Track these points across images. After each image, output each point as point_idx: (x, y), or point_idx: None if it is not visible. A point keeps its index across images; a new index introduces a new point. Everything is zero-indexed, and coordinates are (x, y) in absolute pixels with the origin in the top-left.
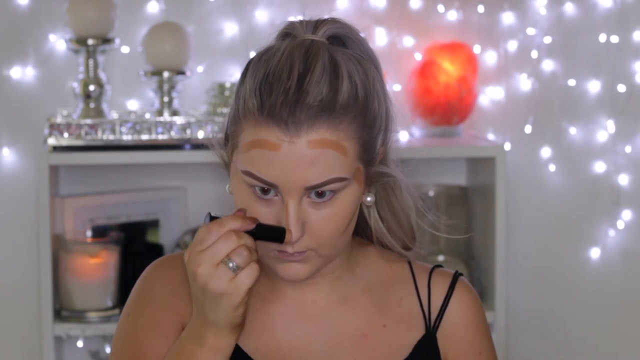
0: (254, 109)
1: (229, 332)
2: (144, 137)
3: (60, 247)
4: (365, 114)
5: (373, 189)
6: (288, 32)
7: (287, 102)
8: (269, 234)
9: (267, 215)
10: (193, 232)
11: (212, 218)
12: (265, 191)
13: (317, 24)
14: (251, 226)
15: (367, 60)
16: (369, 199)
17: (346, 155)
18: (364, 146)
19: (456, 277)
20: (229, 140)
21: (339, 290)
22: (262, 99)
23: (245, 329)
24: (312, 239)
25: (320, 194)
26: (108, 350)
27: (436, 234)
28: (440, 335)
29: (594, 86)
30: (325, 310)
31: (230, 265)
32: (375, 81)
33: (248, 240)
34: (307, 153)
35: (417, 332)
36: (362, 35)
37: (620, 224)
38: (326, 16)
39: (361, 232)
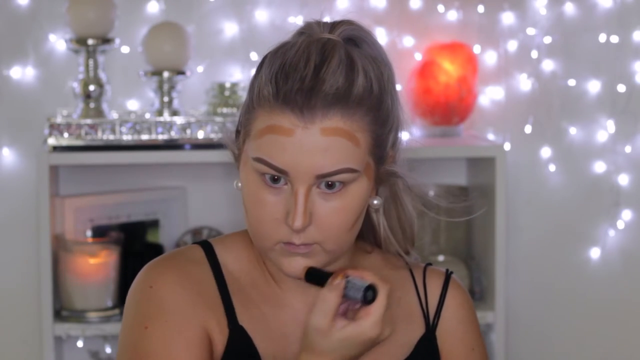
0: (269, 96)
1: None
2: (144, 137)
3: (60, 247)
4: (378, 109)
5: (382, 192)
6: (304, 32)
7: (302, 88)
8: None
9: (275, 203)
10: (193, 232)
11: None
12: (275, 179)
13: (334, 25)
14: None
15: (381, 61)
16: (375, 202)
17: (358, 146)
18: (376, 141)
19: (448, 275)
20: (241, 130)
21: None
22: (278, 87)
23: (264, 338)
24: (319, 231)
25: (330, 185)
26: (108, 350)
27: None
28: (438, 333)
29: (594, 86)
30: None
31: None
32: (389, 81)
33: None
34: (320, 140)
35: (418, 330)
36: (377, 39)
37: (620, 224)
38: (343, 18)
39: (365, 238)
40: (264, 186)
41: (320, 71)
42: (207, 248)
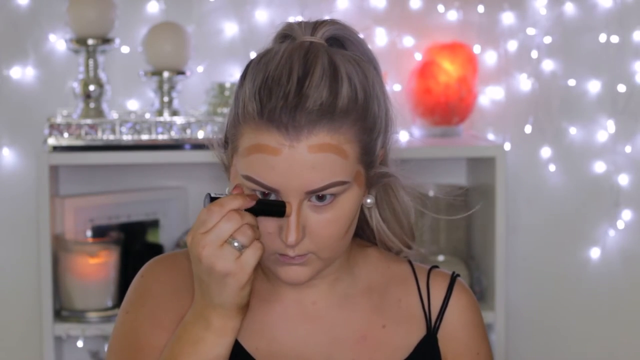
0: (254, 113)
1: (236, 313)
2: (144, 137)
3: (60, 247)
4: (365, 117)
5: (373, 191)
6: (287, 34)
7: (287, 106)
8: (269, 209)
9: (267, 222)
10: None
11: (212, 199)
12: (265, 195)
13: (316, 26)
14: (251, 203)
15: (366, 62)
16: (369, 200)
17: (347, 158)
18: (364, 149)
19: (454, 278)
20: (229, 143)
21: (338, 291)
22: (262, 103)
23: (246, 329)
24: (312, 242)
25: (321, 198)
26: None
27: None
28: (440, 336)
29: (594, 86)
30: (325, 311)
31: (235, 244)
32: (374, 83)
33: (250, 219)
34: (307, 157)
35: (418, 332)
36: (361, 36)
37: (620, 224)
38: (325, 17)
39: (361, 233)
40: None
41: (304, 85)
42: None
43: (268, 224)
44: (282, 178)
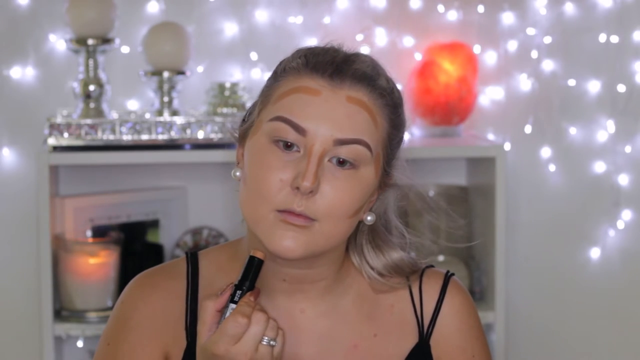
0: (298, 66)
1: None
2: (144, 137)
3: (60, 247)
4: (396, 109)
5: (376, 208)
6: None
7: (333, 62)
8: (256, 272)
9: (283, 166)
10: (193, 232)
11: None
12: (288, 146)
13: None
14: (258, 293)
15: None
16: (369, 218)
17: (377, 127)
18: (390, 136)
19: (447, 278)
20: (257, 104)
21: (327, 301)
22: (308, 59)
23: None
24: (322, 204)
25: (342, 162)
26: None
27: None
28: (434, 342)
29: (594, 86)
30: (314, 321)
31: (265, 341)
32: (402, 102)
33: (264, 312)
34: (345, 105)
35: (410, 340)
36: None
37: (620, 224)
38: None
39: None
40: (274, 150)
41: (350, 57)
42: (193, 260)
43: (282, 171)
44: (315, 119)
